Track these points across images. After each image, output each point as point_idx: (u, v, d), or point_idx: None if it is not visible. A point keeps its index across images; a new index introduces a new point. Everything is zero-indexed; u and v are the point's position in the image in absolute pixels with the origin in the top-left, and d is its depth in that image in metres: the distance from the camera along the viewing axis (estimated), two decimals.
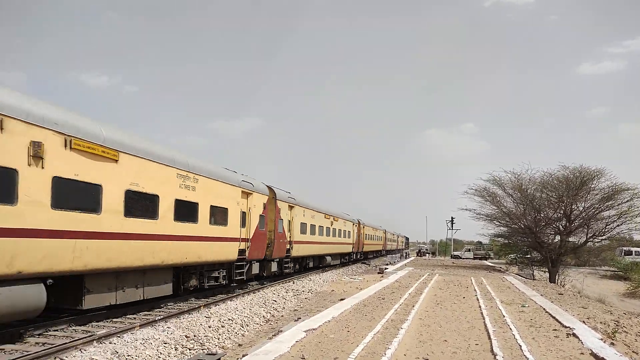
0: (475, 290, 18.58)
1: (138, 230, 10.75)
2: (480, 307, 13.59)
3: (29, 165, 7.90)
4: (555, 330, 10.31)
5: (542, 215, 33.41)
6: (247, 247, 17.05)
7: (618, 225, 31.24)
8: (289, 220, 22.75)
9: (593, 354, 8.02)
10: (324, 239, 29.89)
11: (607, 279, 42.93)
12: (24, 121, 7.87)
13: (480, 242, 73.69)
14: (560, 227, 33.01)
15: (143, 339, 9.09)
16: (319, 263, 30.33)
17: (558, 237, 33.42)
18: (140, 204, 10.86)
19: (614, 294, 33.14)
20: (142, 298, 11.50)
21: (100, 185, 9.55)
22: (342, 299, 15.11)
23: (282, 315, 13.74)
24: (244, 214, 16.88)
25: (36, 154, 7.97)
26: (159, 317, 11.18)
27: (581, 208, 31.84)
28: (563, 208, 32.28)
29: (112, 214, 9.85)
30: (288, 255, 22.70)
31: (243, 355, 7.70)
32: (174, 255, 12.24)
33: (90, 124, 9.57)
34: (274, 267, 20.85)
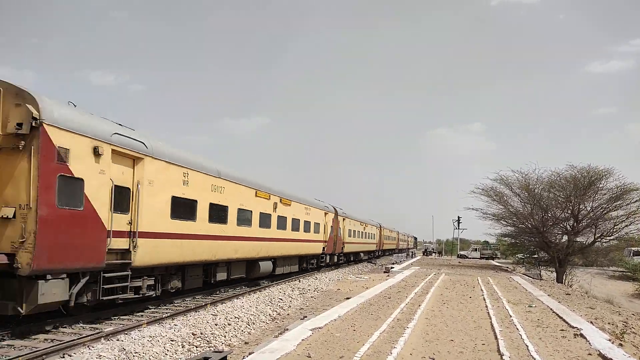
0: (482, 290, 18.51)
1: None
2: (487, 307, 13.55)
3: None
4: (563, 330, 10.26)
5: (549, 215, 33.21)
6: (325, 246, 28.46)
7: (627, 226, 31.04)
8: (342, 228, 32.88)
9: (601, 355, 7.97)
10: (360, 240, 40.24)
11: (615, 279, 42.62)
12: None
13: (487, 242, 73.36)
14: (568, 227, 32.81)
15: (150, 336, 9.15)
16: (355, 258, 40.60)
17: (565, 237, 33.23)
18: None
19: (623, 295, 32.91)
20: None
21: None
22: (348, 298, 15.11)
23: (288, 314, 13.77)
24: (325, 225, 28.33)
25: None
26: (166, 315, 11.25)
27: (589, 208, 31.64)
28: (571, 208, 32.07)
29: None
30: (341, 252, 33.47)
31: (249, 353, 7.72)
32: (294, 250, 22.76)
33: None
34: (335, 259, 32.15)
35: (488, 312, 12.44)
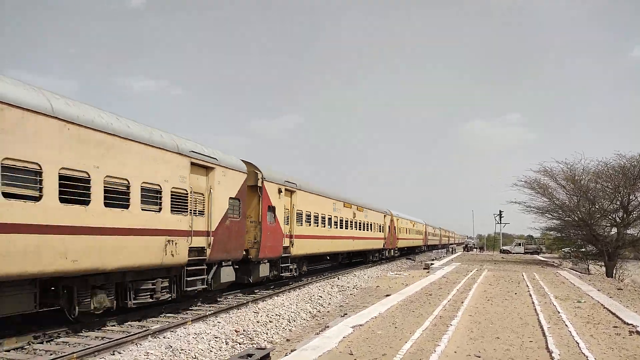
0: (527, 285, 17.95)
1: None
2: (533, 303, 13.12)
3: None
4: (616, 327, 9.79)
5: (597, 206, 31.83)
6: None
7: None
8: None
9: None
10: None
11: None
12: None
13: (531, 236, 71.23)
14: (617, 218, 31.35)
15: (195, 334, 9.37)
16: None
17: (615, 230, 31.77)
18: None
19: None
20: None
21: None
22: (387, 295, 14.98)
23: (328, 311, 13.79)
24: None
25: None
26: (210, 312, 11.49)
27: None
28: (620, 199, 30.60)
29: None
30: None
31: (291, 350, 7.77)
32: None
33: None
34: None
35: (535, 309, 12.04)
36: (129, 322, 10.12)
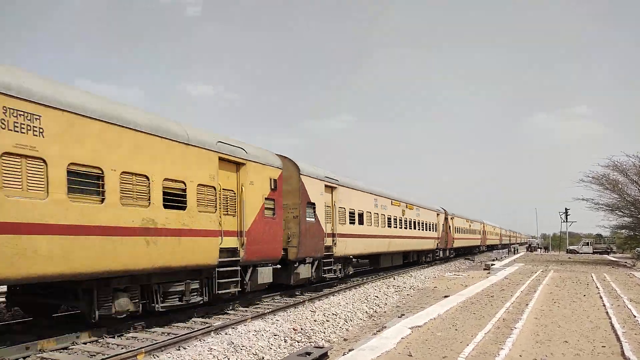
0: (597, 287, 16.91)
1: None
2: (604, 305, 12.34)
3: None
4: None
5: None
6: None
7: None
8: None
9: None
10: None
11: None
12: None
13: (600, 235, 66.85)
14: None
15: (255, 331, 9.58)
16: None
17: None
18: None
19: None
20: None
21: None
22: (446, 296, 14.63)
23: (385, 312, 13.66)
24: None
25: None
26: (268, 310, 11.71)
27: None
28: None
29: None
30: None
31: (349, 350, 7.78)
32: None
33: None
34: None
35: (607, 312, 11.32)
36: (193, 319, 10.52)
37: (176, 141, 9.34)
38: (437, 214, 33.59)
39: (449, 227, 36.76)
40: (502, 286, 17.38)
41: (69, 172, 7.24)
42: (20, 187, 6.60)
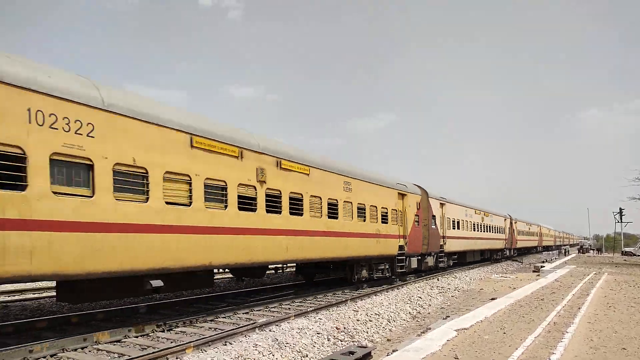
0: None
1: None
2: None
3: None
4: None
5: None
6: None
7: None
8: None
9: None
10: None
11: None
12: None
13: None
14: None
15: (299, 328, 9.67)
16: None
17: None
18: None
19: None
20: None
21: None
22: (493, 299, 14.24)
23: (429, 313, 13.45)
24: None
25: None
26: (311, 309, 11.79)
27: None
28: None
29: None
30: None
31: (393, 351, 7.71)
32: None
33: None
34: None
35: None
36: (238, 315, 10.74)
37: (382, 185, 17.21)
38: (505, 219, 40.40)
39: (513, 230, 43.11)
40: (553, 289, 16.71)
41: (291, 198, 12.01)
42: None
